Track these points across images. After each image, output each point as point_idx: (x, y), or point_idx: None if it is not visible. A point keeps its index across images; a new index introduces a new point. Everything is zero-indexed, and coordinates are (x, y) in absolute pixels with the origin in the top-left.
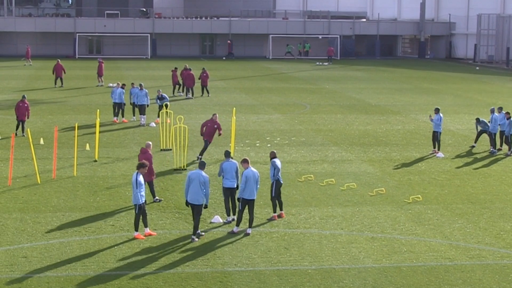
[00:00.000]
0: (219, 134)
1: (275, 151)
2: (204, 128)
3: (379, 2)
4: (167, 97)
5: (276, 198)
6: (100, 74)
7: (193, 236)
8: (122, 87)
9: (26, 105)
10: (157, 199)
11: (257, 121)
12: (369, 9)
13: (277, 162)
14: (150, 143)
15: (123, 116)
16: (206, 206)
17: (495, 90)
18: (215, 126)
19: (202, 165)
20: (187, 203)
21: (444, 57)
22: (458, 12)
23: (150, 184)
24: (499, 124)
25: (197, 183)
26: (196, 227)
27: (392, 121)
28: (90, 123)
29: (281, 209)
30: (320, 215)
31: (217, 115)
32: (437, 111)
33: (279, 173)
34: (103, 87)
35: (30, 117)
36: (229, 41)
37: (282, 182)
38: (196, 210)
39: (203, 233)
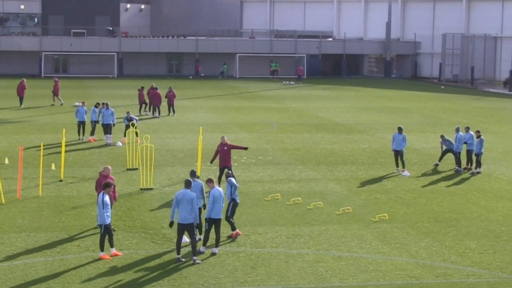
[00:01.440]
0: (245, 148)
1: (230, 171)
2: (218, 156)
3: (345, 21)
4: (136, 119)
5: (231, 217)
6: (55, 94)
7: (194, 258)
8: (96, 106)
9: None
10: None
11: None
12: (335, 29)
13: (233, 181)
14: (109, 167)
15: (92, 135)
16: (197, 226)
17: (460, 109)
18: (225, 148)
19: (188, 184)
20: (171, 224)
21: (409, 76)
22: (423, 32)
23: None
24: (465, 143)
25: (185, 203)
26: (194, 247)
27: (358, 140)
28: (56, 142)
29: (233, 229)
30: (287, 234)
31: (225, 138)
32: (399, 130)
33: (236, 192)
34: (62, 106)
35: None
36: (199, 66)
37: (238, 202)
38: (189, 230)
39: (183, 259)
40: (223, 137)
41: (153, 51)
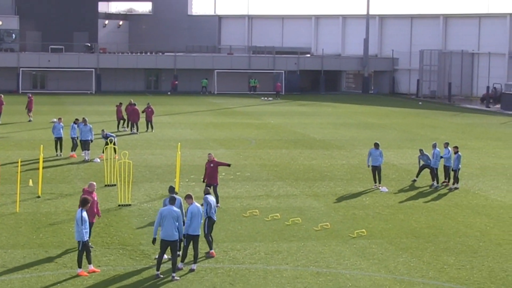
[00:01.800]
0: (229, 165)
1: (209, 188)
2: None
3: (323, 37)
4: (113, 135)
5: (209, 235)
6: (29, 109)
7: (173, 274)
8: (75, 123)
9: None
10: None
11: (202, 156)
12: (314, 45)
13: (210, 198)
14: (94, 183)
15: (74, 150)
16: (181, 240)
17: (438, 125)
18: (211, 164)
19: (172, 201)
20: (154, 241)
21: (387, 92)
22: (401, 48)
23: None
24: (441, 157)
25: (170, 219)
26: (174, 264)
27: (336, 156)
28: (33, 158)
29: (210, 248)
30: (265, 250)
31: (212, 154)
32: (376, 146)
33: (212, 210)
34: (31, 122)
35: None
36: (175, 82)
37: (215, 219)
38: (173, 246)
39: (161, 275)
40: (209, 154)
41: (131, 67)
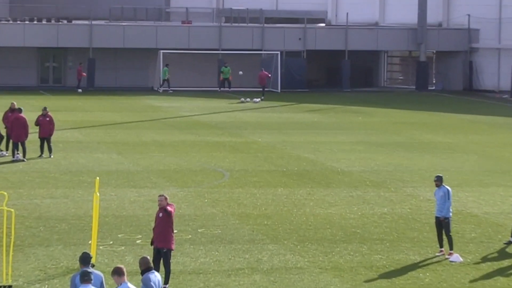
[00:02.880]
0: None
1: (148, 258)
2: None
3: None
4: None
5: None
6: None
7: None
8: None
9: None
10: None
11: (138, 199)
12: (331, 8)
13: (152, 277)
14: None
15: None
16: None
17: None
18: (161, 214)
19: (86, 278)
20: None
21: (460, 88)
22: (484, 13)
23: None
24: None
25: None
26: None
27: (372, 200)
28: None
29: None
30: None
31: (165, 195)
32: (438, 181)
33: None
34: None
35: None
36: (82, 72)
37: None
38: None
39: None
40: (160, 195)
41: (14, 46)
